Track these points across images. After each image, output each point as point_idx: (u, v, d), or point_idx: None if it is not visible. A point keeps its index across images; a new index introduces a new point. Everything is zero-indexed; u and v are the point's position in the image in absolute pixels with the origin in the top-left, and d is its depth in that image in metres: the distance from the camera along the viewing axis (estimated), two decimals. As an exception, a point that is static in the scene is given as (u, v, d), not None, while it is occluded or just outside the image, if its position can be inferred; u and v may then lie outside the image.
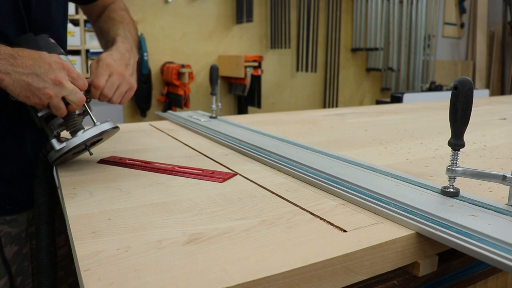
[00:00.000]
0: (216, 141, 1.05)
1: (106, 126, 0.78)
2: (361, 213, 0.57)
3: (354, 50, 3.49)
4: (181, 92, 3.39)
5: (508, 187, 0.56)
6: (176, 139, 1.09)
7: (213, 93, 1.34)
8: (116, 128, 0.81)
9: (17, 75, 0.67)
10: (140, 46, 3.17)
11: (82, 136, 0.75)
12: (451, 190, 0.59)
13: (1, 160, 0.85)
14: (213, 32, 2.83)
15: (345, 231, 0.51)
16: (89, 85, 0.78)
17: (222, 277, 0.40)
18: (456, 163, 0.57)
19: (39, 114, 0.76)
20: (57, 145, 0.75)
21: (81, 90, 0.72)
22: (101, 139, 0.84)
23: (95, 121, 0.79)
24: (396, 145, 1.01)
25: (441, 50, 4.17)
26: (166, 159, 0.87)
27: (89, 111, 0.81)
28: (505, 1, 4.24)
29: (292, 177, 0.74)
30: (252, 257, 0.44)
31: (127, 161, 0.83)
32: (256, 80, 2.69)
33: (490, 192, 0.65)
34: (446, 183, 0.60)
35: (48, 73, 0.67)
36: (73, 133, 0.77)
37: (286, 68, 3.19)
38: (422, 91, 3.35)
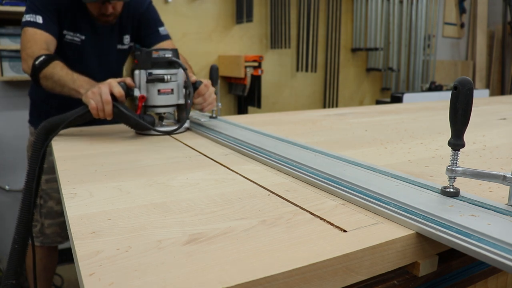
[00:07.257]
0: (216, 141, 1.05)
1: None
2: (361, 213, 0.57)
3: (354, 50, 3.48)
4: (181, 92, 3.36)
5: (508, 187, 0.56)
6: (176, 139, 1.09)
7: (213, 93, 1.34)
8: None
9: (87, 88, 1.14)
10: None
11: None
12: (451, 190, 0.59)
13: None
14: (213, 32, 2.83)
15: (345, 231, 0.51)
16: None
17: (222, 277, 0.40)
18: (456, 163, 0.57)
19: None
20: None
21: (118, 95, 1.11)
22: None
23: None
24: (396, 145, 1.01)
25: (441, 50, 4.16)
26: (167, 159, 0.87)
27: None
28: (505, 1, 4.24)
29: (292, 177, 0.74)
30: (252, 257, 0.44)
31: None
32: (256, 80, 2.68)
33: (490, 192, 0.65)
34: (446, 183, 0.60)
35: (96, 88, 1.11)
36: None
37: (286, 68, 3.18)
38: (422, 91, 3.34)
